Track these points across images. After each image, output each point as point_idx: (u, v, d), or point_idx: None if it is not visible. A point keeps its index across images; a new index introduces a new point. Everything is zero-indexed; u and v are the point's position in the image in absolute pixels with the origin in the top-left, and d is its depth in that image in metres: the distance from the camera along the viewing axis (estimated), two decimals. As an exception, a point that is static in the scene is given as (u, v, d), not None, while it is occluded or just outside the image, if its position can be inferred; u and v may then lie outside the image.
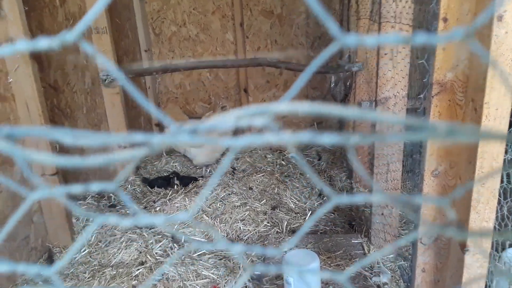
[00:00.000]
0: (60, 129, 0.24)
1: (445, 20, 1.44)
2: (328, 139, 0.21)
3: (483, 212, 1.37)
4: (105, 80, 3.14)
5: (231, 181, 3.52)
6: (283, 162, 3.88)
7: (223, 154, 3.97)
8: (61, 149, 2.77)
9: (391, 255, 2.42)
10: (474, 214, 1.38)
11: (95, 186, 0.27)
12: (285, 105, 0.21)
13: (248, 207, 3.11)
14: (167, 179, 3.56)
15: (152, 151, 0.24)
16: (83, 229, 2.81)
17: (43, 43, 0.25)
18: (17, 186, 0.29)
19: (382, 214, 2.40)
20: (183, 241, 2.72)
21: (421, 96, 1.69)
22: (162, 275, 2.39)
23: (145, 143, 0.23)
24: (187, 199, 3.19)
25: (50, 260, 2.60)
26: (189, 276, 2.36)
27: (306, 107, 0.21)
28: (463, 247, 1.45)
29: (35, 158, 0.24)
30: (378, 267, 2.32)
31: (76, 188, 0.27)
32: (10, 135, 0.24)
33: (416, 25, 2.08)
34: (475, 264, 1.46)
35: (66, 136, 0.24)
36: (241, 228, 2.86)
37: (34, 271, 0.29)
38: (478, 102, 1.34)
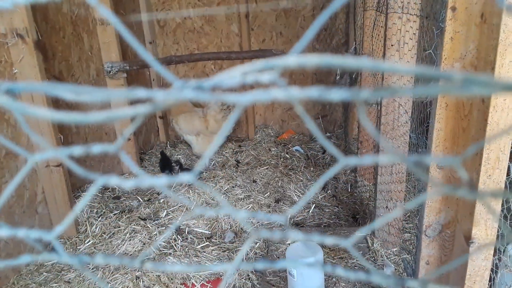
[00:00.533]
0: (60, 85, 0.23)
1: (453, 9, 1.42)
2: (337, 95, 0.21)
3: (489, 203, 1.36)
4: (110, 71, 3.14)
5: (235, 174, 3.52)
6: (287, 155, 3.87)
7: (222, 147, 3.99)
8: (65, 140, 2.78)
9: (395, 249, 2.42)
10: (480, 206, 1.37)
11: (96, 148, 0.26)
12: (293, 58, 0.21)
13: (252, 200, 3.11)
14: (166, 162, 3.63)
15: (156, 108, 0.23)
16: (87, 220, 2.82)
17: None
18: (13, 144, 0.29)
19: (387, 207, 2.39)
20: (186, 232, 2.73)
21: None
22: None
23: (148, 99, 0.22)
24: (191, 191, 3.19)
25: (54, 251, 2.62)
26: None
27: (315, 59, 0.20)
28: (467, 240, 1.44)
29: (34, 112, 0.24)
30: (382, 260, 2.32)
31: (78, 150, 0.26)
32: (10, 90, 0.24)
33: (424, 16, 2.06)
34: (479, 256, 1.45)
35: (67, 92, 0.23)
36: (247, 221, 2.86)
37: (35, 235, 0.29)
38: (485, 92, 1.32)
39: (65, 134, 2.79)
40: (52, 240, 0.31)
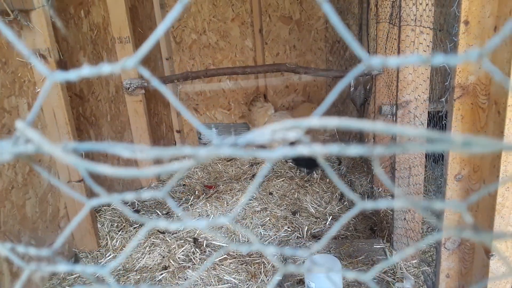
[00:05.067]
0: (119, 144, 0.27)
1: (466, 23, 1.43)
2: (354, 150, 0.23)
3: (508, 216, 1.36)
4: (128, 88, 3.22)
5: (251, 186, 3.54)
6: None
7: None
8: (86, 155, 2.85)
9: (414, 261, 2.40)
10: (499, 218, 1.36)
11: (146, 194, 0.29)
12: (316, 120, 0.24)
13: (268, 212, 3.12)
14: (312, 159, 3.79)
15: (198, 162, 0.26)
16: (107, 234, 2.88)
17: (106, 69, 0.28)
18: (71, 191, 0.32)
19: (405, 219, 2.38)
20: (204, 245, 2.76)
21: (443, 99, 1.69)
22: (184, 280, 2.42)
23: (193, 155, 0.25)
24: (208, 205, 3.23)
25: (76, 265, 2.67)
26: (211, 281, 2.39)
27: (335, 122, 0.23)
28: (488, 252, 1.43)
29: (97, 169, 0.27)
30: (401, 272, 2.30)
31: (130, 196, 0.30)
32: (75, 149, 0.27)
33: (437, 28, 2.07)
34: (500, 269, 1.44)
35: (125, 150, 0.27)
36: (262, 233, 2.88)
37: (90, 271, 0.32)
38: (501, 105, 1.33)
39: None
40: (106, 274, 0.34)
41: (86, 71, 0.29)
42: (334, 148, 0.24)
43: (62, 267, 0.31)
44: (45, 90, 0.28)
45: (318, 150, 0.24)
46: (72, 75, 0.29)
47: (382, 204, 0.26)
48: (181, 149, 0.26)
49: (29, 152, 0.28)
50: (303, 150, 0.24)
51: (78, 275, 2.51)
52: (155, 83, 0.29)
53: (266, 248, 0.30)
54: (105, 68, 0.28)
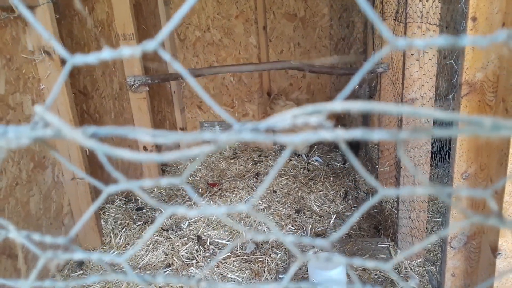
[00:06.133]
0: (140, 129, 0.27)
1: (474, 19, 1.42)
2: (379, 135, 0.23)
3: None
4: (132, 85, 3.22)
5: (255, 184, 3.54)
6: (307, 165, 3.88)
7: (244, 157, 4.00)
8: (90, 153, 2.86)
9: (419, 260, 2.39)
10: (507, 216, 1.35)
11: (164, 181, 0.29)
12: (338, 104, 0.23)
13: (272, 210, 3.12)
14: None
15: (218, 147, 0.26)
16: (111, 231, 2.88)
17: (126, 51, 0.28)
18: (93, 180, 0.32)
19: (410, 217, 2.36)
20: (208, 243, 2.76)
21: (450, 97, 1.68)
22: (188, 277, 2.43)
23: (213, 140, 0.25)
24: (212, 203, 3.23)
25: (79, 261, 2.68)
26: (215, 279, 2.39)
27: (358, 106, 0.23)
28: (494, 251, 1.42)
29: (116, 153, 0.27)
30: (406, 271, 2.29)
31: (148, 182, 0.29)
32: (94, 134, 0.27)
33: (444, 25, 2.06)
34: (507, 268, 1.43)
35: (146, 135, 0.26)
36: (266, 231, 2.88)
37: (108, 258, 0.32)
38: (509, 102, 1.32)
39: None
40: (122, 263, 0.34)
41: (106, 54, 0.28)
42: (357, 133, 0.23)
43: (79, 255, 0.31)
44: (65, 74, 0.28)
45: (340, 135, 0.23)
46: (92, 58, 0.28)
47: (404, 190, 0.25)
48: (201, 135, 0.26)
49: (48, 136, 0.27)
50: (325, 134, 0.23)
51: (82, 272, 2.52)
52: (176, 66, 0.29)
53: (285, 237, 0.30)
54: (125, 51, 0.28)
